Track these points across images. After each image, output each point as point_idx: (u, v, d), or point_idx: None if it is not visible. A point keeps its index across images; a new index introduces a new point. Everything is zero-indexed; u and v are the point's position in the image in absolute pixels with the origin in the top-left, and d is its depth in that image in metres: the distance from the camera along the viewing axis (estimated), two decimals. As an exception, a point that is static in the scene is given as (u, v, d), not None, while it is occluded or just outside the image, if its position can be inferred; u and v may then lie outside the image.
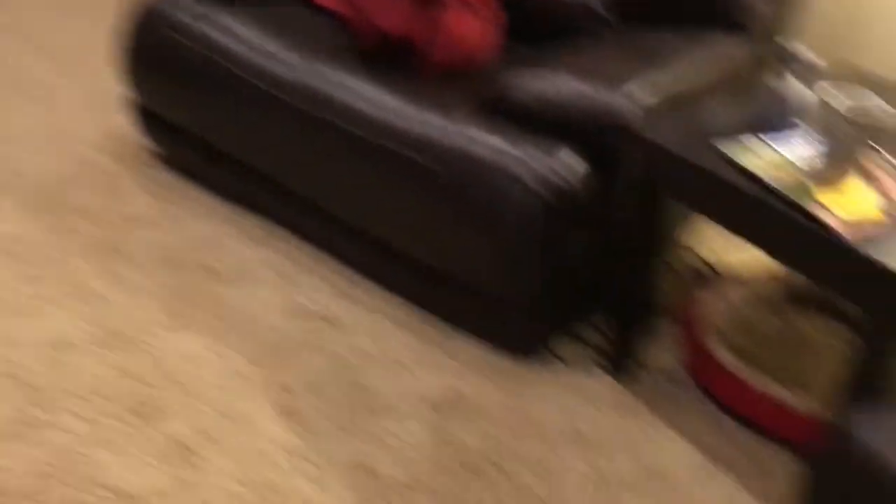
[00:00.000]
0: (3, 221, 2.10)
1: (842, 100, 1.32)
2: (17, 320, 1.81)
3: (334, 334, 1.87)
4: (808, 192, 1.36)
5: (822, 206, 1.32)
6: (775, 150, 1.47)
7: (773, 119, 1.54)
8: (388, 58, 1.86)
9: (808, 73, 1.50)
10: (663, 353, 1.89)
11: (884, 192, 1.38)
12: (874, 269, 1.23)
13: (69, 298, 1.89)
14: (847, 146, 1.36)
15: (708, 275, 2.07)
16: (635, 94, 1.63)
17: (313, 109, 1.85)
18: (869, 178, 1.40)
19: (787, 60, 1.53)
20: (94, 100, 2.68)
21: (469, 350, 1.87)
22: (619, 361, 1.84)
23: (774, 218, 1.35)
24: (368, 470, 1.57)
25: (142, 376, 1.72)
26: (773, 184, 1.37)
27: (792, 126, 1.53)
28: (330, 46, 1.95)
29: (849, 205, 1.33)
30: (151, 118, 2.30)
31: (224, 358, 1.78)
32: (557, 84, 1.67)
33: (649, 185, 1.60)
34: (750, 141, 1.49)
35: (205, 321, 1.87)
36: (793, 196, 1.34)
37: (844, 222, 1.29)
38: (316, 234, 2.09)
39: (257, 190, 2.14)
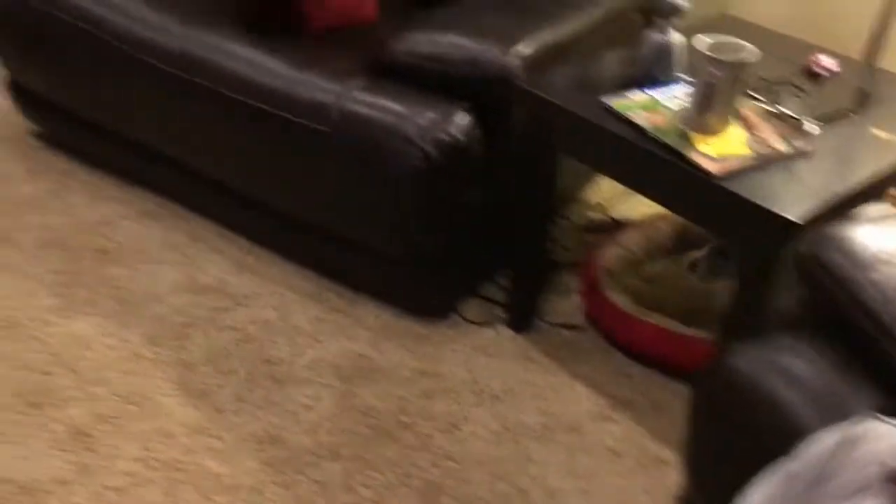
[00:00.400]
0: None
1: (711, 45, 1.36)
2: None
3: (236, 308, 1.84)
4: (684, 137, 1.40)
5: (696, 149, 1.37)
6: (656, 101, 1.50)
7: (655, 71, 1.57)
8: (271, 21, 1.81)
9: (679, 22, 1.54)
10: (566, 306, 1.93)
11: (752, 131, 1.43)
12: (737, 202, 1.29)
13: (-49, 289, 1.80)
14: (719, 91, 1.40)
15: (606, 226, 2.12)
16: (521, 50, 1.64)
17: (196, 77, 1.79)
18: (738, 118, 1.46)
19: (668, 11, 1.56)
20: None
21: (376, 316, 1.87)
22: (524, 317, 1.86)
23: (654, 164, 1.39)
24: (276, 440, 1.56)
25: (35, 364, 1.66)
26: (653, 132, 1.41)
27: (674, 77, 1.56)
28: (210, 12, 1.89)
29: (720, 145, 1.39)
30: (28, 95, 2.19)
31: (121, 340, 1.74)
32: (443, 41, 1.66)
33: (537, 140, 1.62)
34: (633, 93, 1.52)
35: (99, 304, 1.82)
36: (669, 141, 1.39)
37: (714, 161, 1.35)
38: (210, 207, 2.05)
39: (147, 166, 2.07)
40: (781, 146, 1.42)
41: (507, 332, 1.85)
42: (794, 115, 1.49)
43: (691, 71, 1.55)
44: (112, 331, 1.75)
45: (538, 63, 1.65)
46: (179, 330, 1.77)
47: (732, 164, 1.36)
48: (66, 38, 1.97)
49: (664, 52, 1.57)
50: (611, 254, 1.89)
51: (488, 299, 1.93)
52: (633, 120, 1.45)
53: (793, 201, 1.29)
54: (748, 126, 1.46)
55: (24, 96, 2.20)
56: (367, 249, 1.79)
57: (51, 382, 1.63)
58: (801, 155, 1.41)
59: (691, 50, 1.46)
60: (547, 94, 1.54)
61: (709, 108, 1.42)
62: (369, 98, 1.66)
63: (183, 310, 1.82)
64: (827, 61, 1.68)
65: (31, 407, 1.58)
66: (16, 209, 2.05)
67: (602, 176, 2.04)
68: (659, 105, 1.50)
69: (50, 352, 1.69)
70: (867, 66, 1.70)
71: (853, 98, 1.62)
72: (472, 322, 1.87)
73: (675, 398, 1.72)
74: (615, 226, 2.10)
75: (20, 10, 2.04)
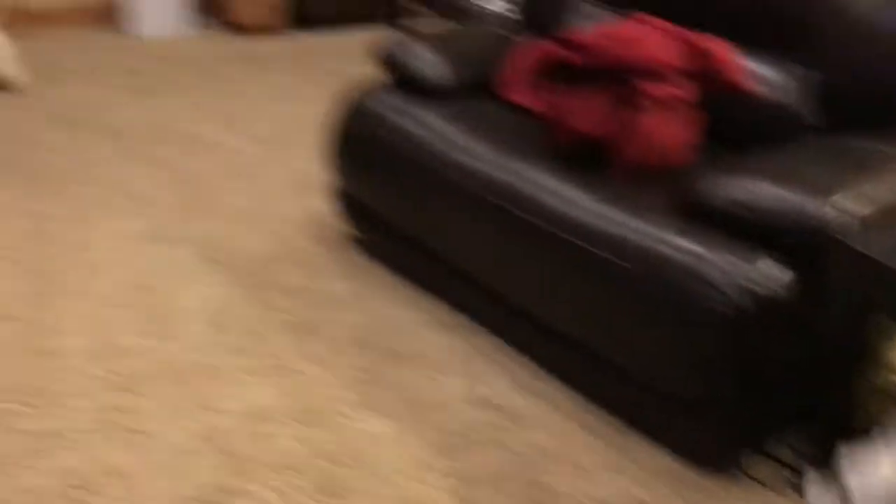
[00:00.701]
0: (214, 294, 2.28)
1: None
2: (220, 388, 1.95)
3: (514, 428, 1.87)
4: None
5: None
6: None
7: None
8: (584, 157, 1.89)
9: None
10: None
11: None
12: None
13: (268, 371, 2.01)
14: None
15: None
16: (843, 204, 1.57)
17: (503, 203, 1.90)
18: None
19: None
20: (298, 182, 2.89)
21: (652, 457, 1.81)
22: (817, 483, 1.71)
23: None
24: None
25: (330, 454, 1.79)
26: None
27: None
28: (525, 143, 2.01)
29: None
30: (350, 203, 2.44)
31: (407, 443, 1.82)
32: (759, 190, 1.63)
33: (859, 300, 1.52)
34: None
35: (390, 403, 1.93)
36: None
37: None
38: (501, 325, 2.12)
39: (447, 278, 2.21)
40: None
41: (795, 499, 1.71)
42: None
43: None
44: (401, 433, 1.85)
45: (861, 219, 1.57)
46: (460, 441, 1.83)
47: None
48: (389, 155, 2.19)
49: None
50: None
51: (775, 458, 1.80)
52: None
53: None
54: None
55: (347, 203, 2.46)
56: (654, 388, 1.75)
57: (342, 473, 1.74)
58: None
59: None
60: (874, 254, 1.45)
61: None
62: (674, 239, 1.66)
63: (466, 422, 1.88)
64: None
65: (323, 493, 1.69)
66: (327, 304, 2.26)
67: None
68: None
69: (345, 445, 1.82)
70: None
71: None
72: (757, 481, 1.75)
73: None
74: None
75: (355, 128, 2.31)
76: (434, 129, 2.13)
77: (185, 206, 2.73)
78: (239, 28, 4.40)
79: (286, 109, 3.51)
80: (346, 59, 4.12)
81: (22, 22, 4.37)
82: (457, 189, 2.01)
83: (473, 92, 2.30)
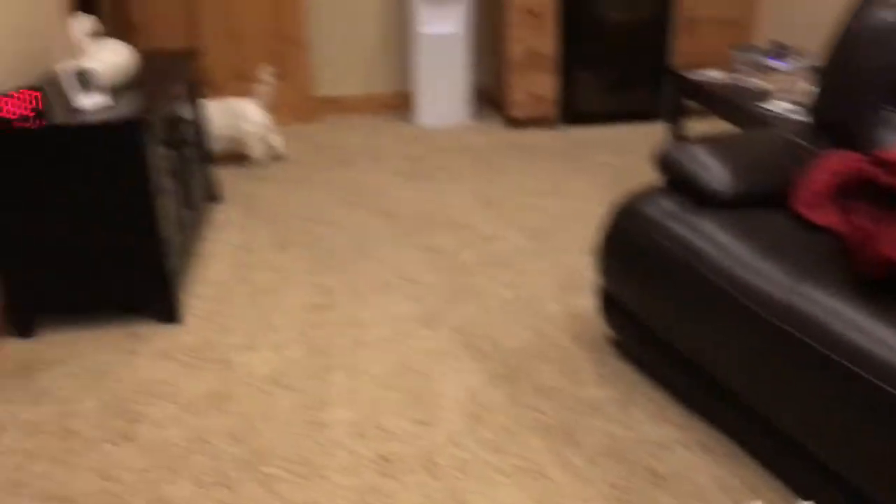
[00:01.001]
0: (473, 384, 2.31)
1: None
2: (472, 484, 1.94)
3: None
4: None
5: None
6: None
7: None
8: (892, 287, 1.70)
9: None
10: None
11: None
12: None
13: (520, 473, 1.98)
14: None
15: None
16: None
17: (795, 331, 1.75)
18: None
19: None
20: (563, 278, 2.89)
21: None
22: None
23: None
24: None
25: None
26: None
27: None
28: (820, 265, 1.85)
29: None
30: (614, 305, 2.39)
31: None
32: None
33: None
34: None
35: (645, 528, 1.82)
36: None
37: None
38: (770, 455, 1.94)
39: (711, 397, 2.07)
40: None
41: None
42: None
43: None
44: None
45: None
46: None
47: None
48: (661, 262, 2.12)
49: None
50: None
51: None
52: None
53: None
54: None
55: (610, 305, 2.41)
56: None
57: None
58: None
59: None
60: None
61: None
62: None
63: (728, 563, 1.72)
64: None
65: None
66: (583, 409, 2.21)
67: None
68: None
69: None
70: None
71: None
72: None
73: None
74: None
75: (627, 230, 2.26)
76: (713, 240, 2.03)
77: (452, 291, 2.83)
78: (514, 122, 4.57)
79: (556, 202, 3.56)
80: (618, 154, 4.12)
81: (318, 108, 4.86)
82: (735, 307, 1.89)
83: (758, 203, 2.18)
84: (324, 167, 4.05)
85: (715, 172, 2.22)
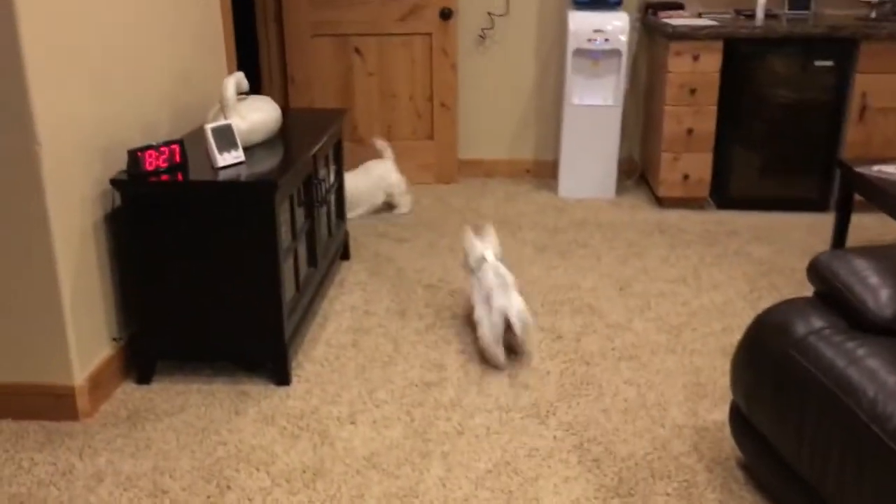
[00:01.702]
0: (580, 497, 2.11)
1: None
2: None
3: None
4: None
5: None
6: None
7: None
8: None
9: None
10: None
11: None
12: None
13: None
14: None
15: None
16: None
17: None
18: None
19: None
20: (692, 382, 2.65)
21: None
22: None
23: None
24: None
25: None
26: None
27: None
28: None
29: None
30: (748, 426, 2.13)
31: None
32: None
33: None
34: None
35: None
36: None
37: None
38: None
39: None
40: None
41: None
42: None
43: None
44: None
45: None
46: None
47: None
48: (804, 387, 1.86)
49: None
50: None
51: None
52: None
53: None
54: None
55: (742, 424, 2.16)
56: None
57: None
58: None
59: None
60: None
61: None
62: None
63: None
64: None
65: None
66: (699, 542, 1.97)
67: None
68: None
69: None
70: None
71: None
72: None
73: None
74: None
75: (769, 344, 2.02)
76: (871, 374, 1.76)
77: (572, 384, 2.64)
78: (662, 201, 4.35)
79: (694, 293, 3.31)
80: (769, 244, 3.81)
81: (466, 170, 4.82)
82: (891, 462, 1.62)
83: (927, 333, 1.89)
84: (454, 230, 3.98)
85: (878, 291, 1.95)
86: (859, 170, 3.42)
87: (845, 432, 1.73)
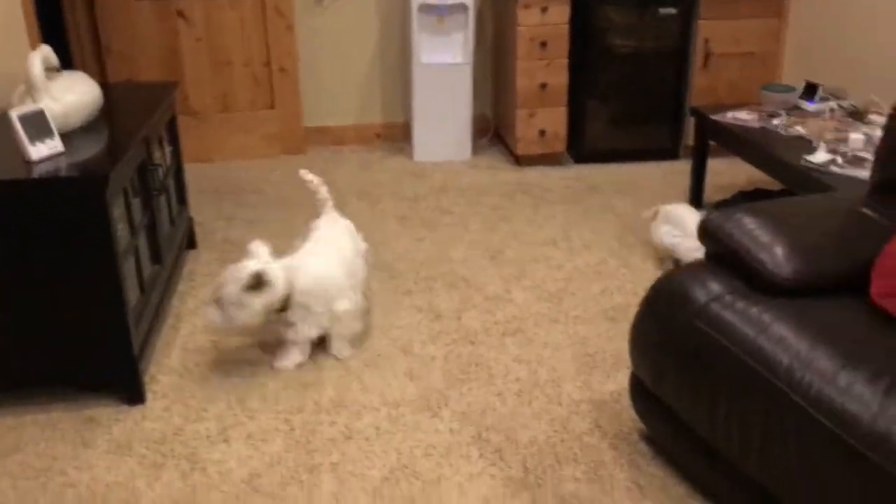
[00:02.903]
0: (485, 492, 1.96)
1: None
2: None
3: None
4: None
5: None
6: None
7: None
8: None
9: None
10: None
11: None
12: None
13: None
14: None
15: None
16: None
17: (882, 459, 1.42)
18: None
19: None
20: (581, 353, 2.55)
21: None
22: None
23: None
24: None
25: None
26: None
27: None
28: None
29: None
30: (650, 397, 2.05)
31: None
32: None
33: None
34: None
35: None
36: None
37: None
38: None
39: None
40: None
41: None
42: None
43: None
44: None
45: None
46: None
47: None
48: (721, 364, 1.77)
49: None
50: None
51: None
52: None
53: None
54: None
55: (643, 395, 2.07)
56: None
57: None
58: None
59: None
60: None
61: None
62: None
63: None
64: None
65: None
66: (616, 528, 1.86)
67: None
68: None
69: None
70: None
71: None
72: None
73: None
74: None
75: (666, 312, 1.93)
76: (782, 342, 1.69)
77: (457, 367, 2.48)
78: (521, 159, 4.24)
79: (567, 255, 3.22)
80: (632, 196, 3.79)
81: (307, 138, 4.52)
82: (810, 426, 1.55)
83: (823, 290, 1.85)
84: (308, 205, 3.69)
85: (773, 250, 1.89)
86: (714, 117, 3.43)
87: (765, 405, 1.65)
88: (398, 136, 4.62)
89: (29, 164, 2.18)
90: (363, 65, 4.51)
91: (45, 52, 2.46)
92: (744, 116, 3.36)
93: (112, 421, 2.25)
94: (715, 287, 1.89)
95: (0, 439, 2.17)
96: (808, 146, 2.95)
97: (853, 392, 1.52)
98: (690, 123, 3.84)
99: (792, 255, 1.88)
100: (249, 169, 4.22)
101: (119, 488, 1.99)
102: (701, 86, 4.16)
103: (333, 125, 4.57)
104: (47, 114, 2.27)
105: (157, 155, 2.83)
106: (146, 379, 2.40)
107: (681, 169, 4.04)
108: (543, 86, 4.08)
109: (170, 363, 2.51)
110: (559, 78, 4.08)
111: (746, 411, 1.69)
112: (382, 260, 3.17)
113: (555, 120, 4.15)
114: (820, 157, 2.78)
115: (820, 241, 1.96)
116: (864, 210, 2.04)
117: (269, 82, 4.33)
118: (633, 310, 2.50)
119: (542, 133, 4.16)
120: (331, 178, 4.09)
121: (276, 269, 2.34)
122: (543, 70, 4.06)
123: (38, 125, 2.23)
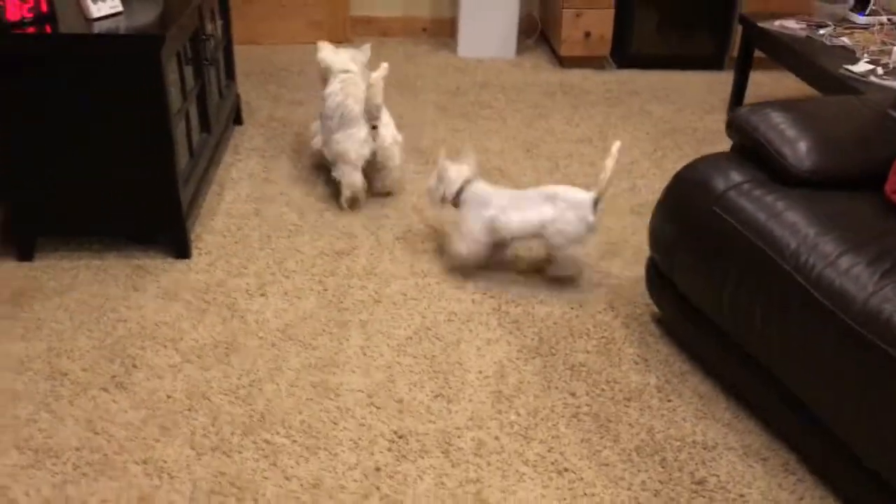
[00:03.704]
0: (502, 358, 2.10)
1: None
2: (492, 475, 1.76)
3: None
4: None
5: None
6: None
7: None
8: None
9: None
10: None
11: None
12: None
13: (545, 465, 1.78)
14: None
15: None
16: None
17: (872, 336, 1.51)
18: None
19: None
20: (604, 241, 2.65)
21: None
22: None
23: None
24: None
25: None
26: None
27: None
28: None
29: None
30: (665, 282, 2.15)
31: None
32: None
33: None
34: None
35: (682, 544, 1.63)
36: None
37: None
38: (836, 474, 1.73)
39: (770, 399, 1.85)
40: None
41: None
42: None
43: None
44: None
45: None
46: None
47: None
48: (732, 247, 1.86)
49: None
50: None
51: None
52: None
53: None
54: None
55: (659, 280, 2.18)
56: None
57: None
58: None
59: None
60: None
61: None
62: None
63: None
64: None
65: None
66: (621, 397, 2.00)
67: None
68: None
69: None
70: None
71: None
72: None
73: None
74: None
75: (688, 202, 2.02)
76: (789, 224, 1.78)
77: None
78: (564, 60, 4.25)
79: (600, 153, 3.28)
80: (671, 104, 3.81)
81: (359, 28, 4.56)
82: (809, 304, 1.65)
83: (842, 185, 1.92)
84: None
85: (796, 144, 1.95)
86: (762, 25, 3.41)
87: (769, 284, 1.75)
88: (444, 31, 4.64)
89: (89, 21, 2.28)
90: (414, -44, 4.50)
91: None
92: (791, 25, 3.34)
93: (160, 271, 2.42)
94: (735, 176, 1.97)
95: (58, 278, 2.36)
96: (851, 56, 2.94)
97: (851, 273, 1.61)
98: (738, 34, 3.82)
99: (813, 149, 1.94)
100: (295, 52, 4.29)
101: (166, 327, 2.17)
102: (754, -5, 4.10)
103: (381, 16, 4.60)
104: (107, -26, 2.36)
105: (209, 27, 2.92)
106: (192, 237, 2.56)
107: (723, 79, 4.03)
108: (592, -14, 4.06)
109: (214, 225, 2.67)
110: (609, -21, 4.05)
111: (752, 291, 1.80)
112: (418, 145, 3.26)
113: (601, 22, 4.14)
114: (860, 67, 2.79)
115: (843, 138, 2.02)
116: (892, 112, 2.08)
117: (318, -32, 4.36)
118: (658, 204, 2.58)
119: (588, 35, 4.16)
120: (373, 66, 4.16)
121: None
122: (593, -30, 4.03)
123: (98, -16, 2.32)
